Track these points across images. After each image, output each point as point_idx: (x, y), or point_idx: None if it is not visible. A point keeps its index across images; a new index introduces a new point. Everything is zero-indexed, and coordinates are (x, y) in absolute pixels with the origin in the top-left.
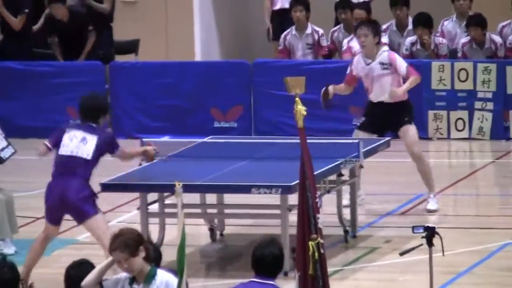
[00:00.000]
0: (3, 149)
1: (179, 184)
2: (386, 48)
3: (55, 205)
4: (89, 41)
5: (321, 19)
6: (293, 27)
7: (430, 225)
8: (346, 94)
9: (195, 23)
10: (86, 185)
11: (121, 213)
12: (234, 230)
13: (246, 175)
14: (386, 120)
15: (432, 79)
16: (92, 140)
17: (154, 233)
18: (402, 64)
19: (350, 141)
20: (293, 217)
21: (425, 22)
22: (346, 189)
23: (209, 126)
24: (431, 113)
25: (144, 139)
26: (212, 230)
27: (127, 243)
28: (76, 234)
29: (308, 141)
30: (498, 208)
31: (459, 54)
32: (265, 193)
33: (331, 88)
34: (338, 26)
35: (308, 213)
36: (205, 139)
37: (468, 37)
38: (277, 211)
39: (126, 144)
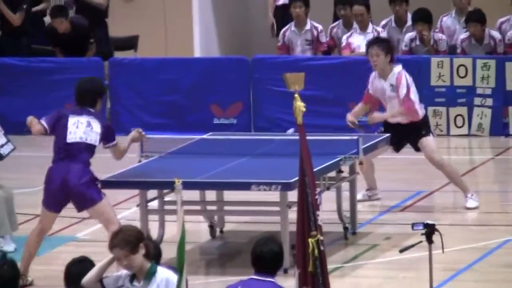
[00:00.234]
0: (2, 145)
1: (178, 181)
2: (398, 68)
3: (56, 189)
4: (89, 53)
5: (320, 15)
6: (292, 23)
7: (429, 222)
8: (367, 112)
9: (194, 19)
10: (87, 170)
11: (120, 210)
12: (234, 227)
13: (245, 172)
14: (404, 137)
15: (431, 75)
16: (96, 127)
17: (153, 230)
18: (403, 90)
19: (350, 137)
20: (292, 214)
21: (425, 18)
22: (361, 185)
23: (208, 122)
24: (430, 109)
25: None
26: (212, 227)
27: (127, 240)
28: (76, 231)
29: (307, 137)
30: (498, 204)
31: (458, 50)
32: (265, 190)
33: (350, 117)
34: (337, 22)
35: (307, 210)
36: (205, 136)
37: (467, 33)
38: (277, 208)
39: (125, 141)
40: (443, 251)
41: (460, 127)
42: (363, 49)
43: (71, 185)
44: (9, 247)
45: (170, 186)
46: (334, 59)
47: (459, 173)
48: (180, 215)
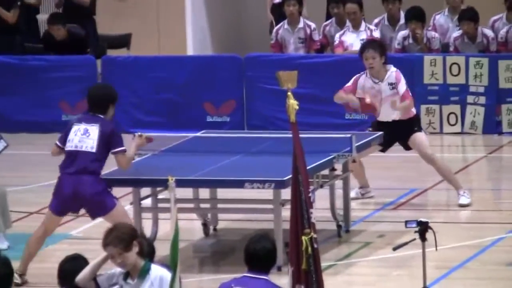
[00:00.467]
0: None
1: (172, 179)
2: (394, 68)
3: (68, 199)
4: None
5: (313, 13)
6: (285, 21)
7: (423, 219)
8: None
9: (187, 17)
10: (97, 179)
11: None
12: (227, 225)
13: (239, 169)
14: (395, 134)
15: (424, 74)
16: (94, 132)
17: (147, 228)
18: (403, 85)
19: (343, 135)
20: (286, 212)
21: (417, 16)
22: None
23: (201, 120)
24: (423, 107)
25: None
26: (205, 225)
27: (121, 238)
28: (70, 229)
29: (300, 135)
30: (491, 202)
31: (451, 48)
32: (258, 187)
33: (369, 99)
34: (330, 20)
35: (301, 207)
36: (198, 134)
37: (460, 31)
38: (270, 206)
39: (129, 148)
40: (436, 249)
41: (453, 125)
42: (356, 47)
43: (84, 197)
44: (2, 245)
45: (164, 184)
46: (327, 57)
47: (452, 170)
48: (174, 213)
